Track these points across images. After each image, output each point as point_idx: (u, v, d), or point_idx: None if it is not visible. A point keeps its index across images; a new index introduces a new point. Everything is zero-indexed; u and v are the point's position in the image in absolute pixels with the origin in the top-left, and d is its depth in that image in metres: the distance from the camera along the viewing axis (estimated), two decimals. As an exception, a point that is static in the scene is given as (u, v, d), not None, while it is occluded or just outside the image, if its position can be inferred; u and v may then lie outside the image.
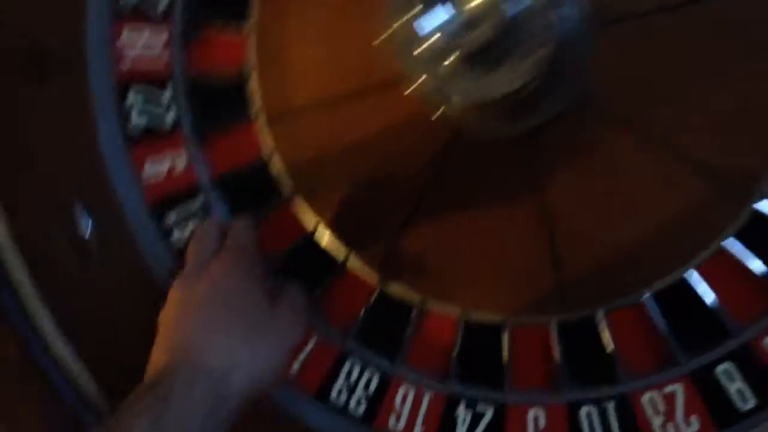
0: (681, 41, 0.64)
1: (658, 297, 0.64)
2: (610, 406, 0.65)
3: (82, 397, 0.70)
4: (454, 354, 0.68)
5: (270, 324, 0.61)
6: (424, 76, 0.56)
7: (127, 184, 0.72)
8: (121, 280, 0.71)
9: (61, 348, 0.70)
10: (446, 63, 0.54)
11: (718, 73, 0.63)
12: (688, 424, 0.63)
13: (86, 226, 0.70)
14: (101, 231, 0.71)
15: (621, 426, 0.64)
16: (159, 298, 0.69)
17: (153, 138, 0.73)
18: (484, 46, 0.50)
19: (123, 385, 0.68)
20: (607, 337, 0.65)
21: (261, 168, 0.72)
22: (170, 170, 0.72)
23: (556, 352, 0.66)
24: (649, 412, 0.64)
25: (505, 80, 0.53)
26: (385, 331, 0.70)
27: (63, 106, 0.71)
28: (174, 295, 0.63)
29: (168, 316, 0.62)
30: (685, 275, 0.64)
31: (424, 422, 0.68)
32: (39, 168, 0.72)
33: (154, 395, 0.55)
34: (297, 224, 0.71)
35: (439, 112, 0.59)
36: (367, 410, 0.69)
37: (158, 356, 0.60)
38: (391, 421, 0.68)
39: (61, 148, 0.72)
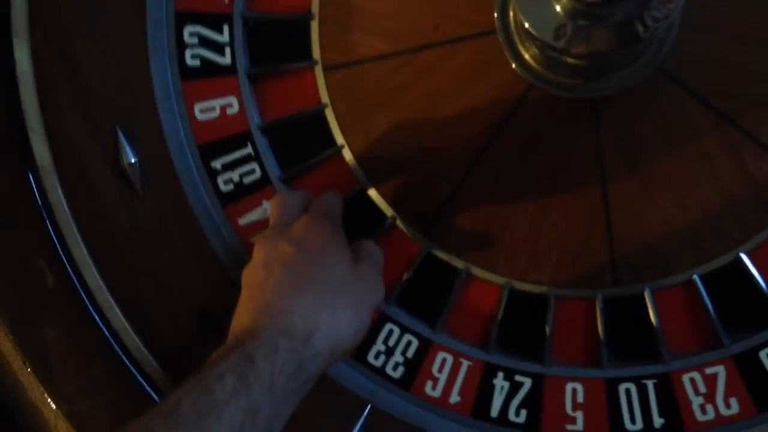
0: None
1: (707, 278, 0.65)
2: (650, 384, 0.66)
3: (114, 329, 0.69)
4: (497, 323, 0.68)
5: (353, 284, 0.62)
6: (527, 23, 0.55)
7: (175, 119, 0.71)
8: (162, 213, 0.70)
9: (95, 278, 0.69)
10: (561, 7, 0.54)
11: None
12: (728, 405, 0.65)
13: (129, 155, 0.69)
14: (144, 161, 0.70)
15: (660, 404, 0.66)
16: (198, 236, 0.70)
17: (206, 77, 0.72)
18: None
19: (151, 320, 0.70)
20: (652, 315, 0.66)
21: (314, 117, 0.72)
22: (222, 112, 0.72)
23: (600, 327, 0.67)
24: (690, 391, 0.66)
25: (617, 36, 0.54)
26: (428, 296, 0.70)
27: (117, 34, 0.71)
28: (258, 254, 0.62)
29: (252, 275, 0.61)
30: (737, 258, 0.65)
31: (461, 390, 0.68)
32: (88, 94, 0.71)
33: (239, 355, 0.55)
34: (347, 178, 0.71)
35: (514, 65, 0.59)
36: (404, 375, 0.69)
37: (242, 315, 0.59)
38: (428, 387, 0.69)
39: (111, 76, 0.71)
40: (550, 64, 0.62)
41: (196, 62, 0.72)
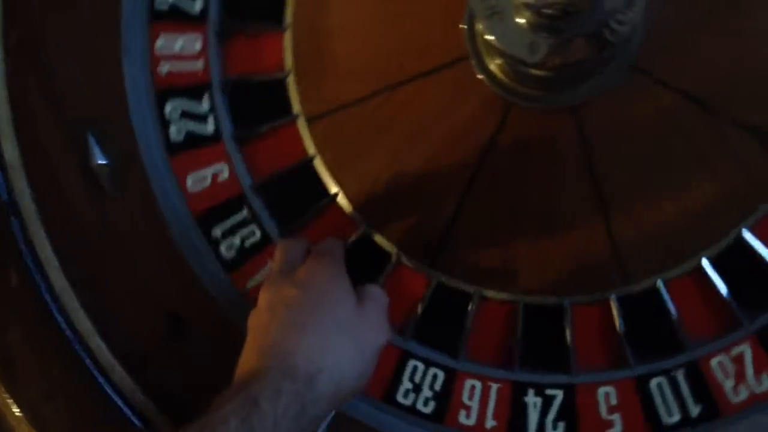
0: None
1: (715, 261, 0.67)
2: (680, 375, 0.67)
3: (76, 330, 0.70)
4: (518, 340, 0.69)
5: (357, 325, 0.63)
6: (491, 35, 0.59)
7: (146, 119, 0.73)
8: (131, 215, 0.72)
9: (58, 279, 0.70)
10: (522, 19, 0.57)
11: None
12: (759, 382, 0.66)
13: (99, 157, 0.71)
14: (114, 163, 0.72)
15: (693, 393, 0.67)
16: (167, 240, 0.72)
17: (193, 149, 0.74)
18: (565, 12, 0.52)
19: (118, 324, 0.71)
20: (669, 306, 0.67)
21: (305, 170, 0.73)
22: (213, 180, 0.74)
23: (620, 327, 0.68)
24: (720, 375, 0.67)
25: (587, 44, 0.56)
26: (445, 325, 0.71)
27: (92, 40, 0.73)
28: (263, 298, 0.64)
29: (257, 318, 0.63)
30: (739, 236, 0.66)
31: (495, 414, 0.69)
32: (61, 99, 0.73)
33: (243, 398, 0.56)
34: (346, 224, 0.72)
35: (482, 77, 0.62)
36: (435, 409, 0.70)
37: (246, 358, 0.61)
38: (461, 417, 0.70)
39: (84, 82, 0.73)
40: (521, 78, 0.65)
41: (181, 136, 0.74)
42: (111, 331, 0.70)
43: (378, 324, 0.65)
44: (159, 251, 0.72)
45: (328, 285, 0.63)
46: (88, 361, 0.70)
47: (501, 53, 0.62)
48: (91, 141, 0.70)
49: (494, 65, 0.68)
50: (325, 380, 0.59)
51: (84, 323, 0.70)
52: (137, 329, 0.71)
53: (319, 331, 0.60)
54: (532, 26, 0.57)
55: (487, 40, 0.62)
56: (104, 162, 0.70)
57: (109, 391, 0.70)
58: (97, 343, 0.70)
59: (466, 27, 0.69)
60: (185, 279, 0.71)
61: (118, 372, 0.70)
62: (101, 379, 0.70)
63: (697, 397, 0.66)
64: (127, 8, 0.74)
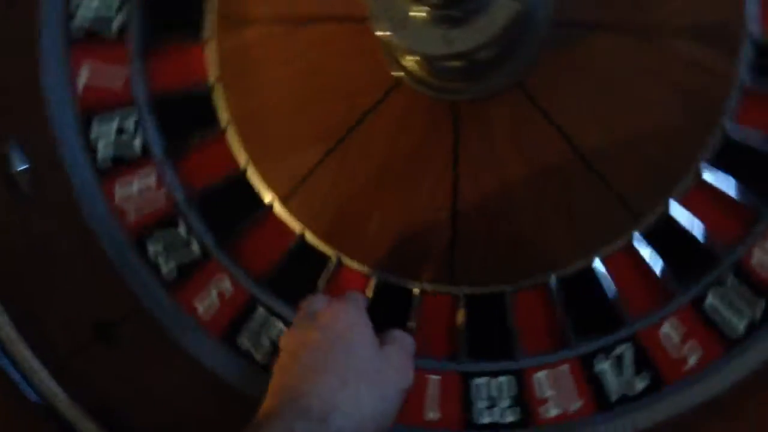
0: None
1: (714, 163, 0.67)
2: (730, 280, 0.66)
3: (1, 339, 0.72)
4: (563, 317, 0.69)
5: (379, 366, 0.63)
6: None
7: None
8: (53, 222, 0.74)
9: None
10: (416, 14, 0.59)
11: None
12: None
13: (18, 164, 0.72)
14: (36, 169, 0.73)
15: (750, 291, 0.65)
16: (91, 245, 0.74)
17: (190, 277, 0.76)
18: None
19: (44, 330, 0.73)
20: (690, 223, 0.67)
21: (302, 249, 0.74)
22: (221, 297, 0.75)
23: (653, 263, 0.68)
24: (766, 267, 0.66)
25: (474, 36, 0.58)
26: (491, 334, 0.71)
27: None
28: (285, 342, 0.66)
29: (279, 362, 0.64)
30: (726, 132, 0.66)
31: (578, 393, 0.69)
32: None
33: None
34: (360, 282, 0.73)
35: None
36: (520, 415, 0.70)
37: (266, 401, 0.61)
38: (545, 411, 0.69)
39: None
40: (450, 75, 0.67)
41: (173, 272, 0.76)
42: (37, 338, 0.72)
43: (401, 366, 0.66)
44: (83, 258, 0.73)
45: (348, 327, 0.64)
46: (11, 369, 0.72)
47: (422, 56, 0.64)
48: (11, 147, 0.71)
49: (421, 70, 0.69)
50: (341, 418, 0.58)
51: (7, 331, 0.72)
52: (63, 335, 0.72)
53: (337, 371, 0.61)
54: (434, 21, 0.59)
55: (405, 50, 0.64)
56: (24, 167, 0.71)
57: (33, 398, 0.71)
58: (20, 351, 0.71)
59: (384, 49, 0.70)
60: (111, 284, 0.73)
61: (39, 377, 0.71)
62: (27, 387, 0.71)
63: (755, 293, 0.65)
64: (74, 172, 0.76)
